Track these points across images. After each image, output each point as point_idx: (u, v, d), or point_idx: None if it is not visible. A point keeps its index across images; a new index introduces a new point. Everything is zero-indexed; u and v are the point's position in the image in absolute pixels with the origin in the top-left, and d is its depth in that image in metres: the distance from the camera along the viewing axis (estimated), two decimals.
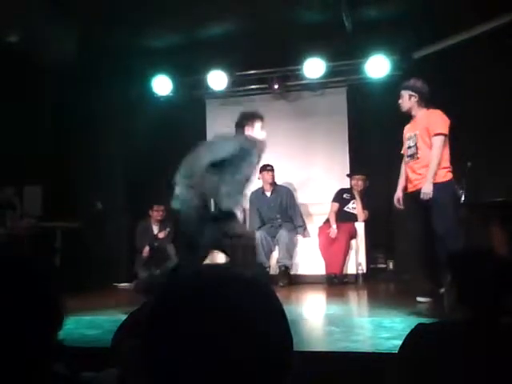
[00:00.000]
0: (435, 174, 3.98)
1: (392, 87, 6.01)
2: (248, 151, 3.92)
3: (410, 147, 4.22)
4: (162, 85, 6.81)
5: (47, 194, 5.78)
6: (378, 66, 6.24)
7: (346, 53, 6.36)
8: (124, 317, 1.21)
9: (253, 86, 6.87)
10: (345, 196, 6.17)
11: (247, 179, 3.98)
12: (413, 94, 4.17)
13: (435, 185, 3.96)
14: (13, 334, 0.95)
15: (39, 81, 5.80)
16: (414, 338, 1.34)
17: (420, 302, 3.97)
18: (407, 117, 4.34)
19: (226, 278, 0.67)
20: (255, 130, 4.12)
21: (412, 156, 4.20)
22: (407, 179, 4.29)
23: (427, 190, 3.95)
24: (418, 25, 5.59)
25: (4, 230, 5.28)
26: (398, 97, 4.26)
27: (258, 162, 4.17)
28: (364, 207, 6.07)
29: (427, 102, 4.19)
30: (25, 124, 5.85)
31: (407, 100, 4.20)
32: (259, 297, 0.67)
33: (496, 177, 4.86)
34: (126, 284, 6.12)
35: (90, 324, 3.34)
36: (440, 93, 4.50)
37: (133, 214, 6.77)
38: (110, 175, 6.71)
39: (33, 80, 5.75)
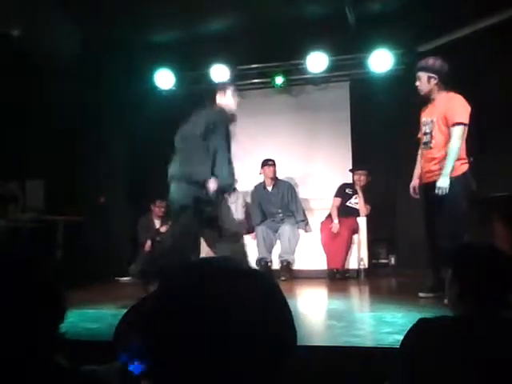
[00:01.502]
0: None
1: (395, 81, 6.03)
2: (216, 123, 3.93)
3: (425, 134, 3.96)
4: (164, 79, 6.80)
5: (50, 188, 5.79)
6: (381, 61, 6.22)
7: (349, 47, 6.33)
8: (126, 310, 1.22)
9: (255, 80, 6.85)
10: (347, 191, 6.16)
11: (218, 149, 3.93)
12: (432, 75, 3.85)
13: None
14: (15, 327, 0.95)
15: (41, 75, 5.79)
16: (415, 334, 1.34)
17: (422, 298, 3.95)
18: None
19: (230, 271, 0.67)
20: (227, 97, 4.18)
21: (426, 144, 3.95)
22: (422, 168, 4.08)
23: (443, 185, 3.71)
24: (422, 18, 5.56)
25: (6, 223, 5.29)
26: (416, 79, 3.95)
27: (228, 132, 4.05)
28: (366, 202, 6.06)
29: (447, 83, 3.88)
30: (28, 118, 5.85)
31: (426, 82, 3.88)
32: (263, 288, 0.67)
33: (499, 172, 4.84)
34: (128, 278, 6.14)
35: (93, 317, 3.35)
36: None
37: (135, 208, 6.78)
38: (113, 169, 6.72)
39: (35, 75, 5.74)
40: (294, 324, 0.68)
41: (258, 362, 0.62)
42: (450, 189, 3.74)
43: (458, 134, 3.74)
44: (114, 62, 6.13)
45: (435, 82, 3.87)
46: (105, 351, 1.16)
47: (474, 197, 4.05)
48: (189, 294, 0.64)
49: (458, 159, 3.81)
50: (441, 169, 3.84)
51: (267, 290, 0.67)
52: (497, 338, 1.28)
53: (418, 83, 3.95)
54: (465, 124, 3.78)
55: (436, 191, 3.74)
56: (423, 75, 3.90)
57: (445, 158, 3.84)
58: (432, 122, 3.90)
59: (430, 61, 3.90)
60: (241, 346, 0.61)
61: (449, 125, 3.81)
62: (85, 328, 2.97)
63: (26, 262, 1.04)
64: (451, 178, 3.76)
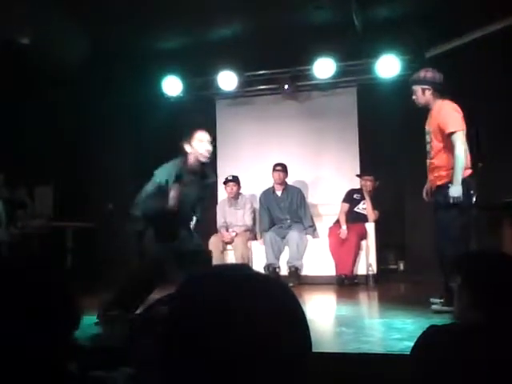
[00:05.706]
0: (457, 174, 3.69)
1: (403, 87, 6.00)
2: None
3: (427, 143, 3.99)
4: (172, 85, 6.83)
5: (59, 194, 5.82)
6: (388, 66, 6.21)
7: (356, 53, 6.33)
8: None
9: (262, 87, 6.86)
10: (355, 196, 6.15)
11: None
12: (426, 87, 3.89)
13: (439, 187, 3.80)
14: (29, 335, 0.95)
15: (51, 82, 5.84)
16: (426, 340, 1.33)
17: (433, 303, 3.90)
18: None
19: (246, 280, 0.66)
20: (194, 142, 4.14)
21: (428, 153, 3.97)
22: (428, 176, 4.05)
23: (455, 194, 3.66)
24: (430, 24, 5.55)
25: (16, 230, 5.32)
26: (411, 93, 3.98)
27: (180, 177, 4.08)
28: (374, 208, 6.04)
29: (442, 91, 3.90)
30: (36, 125, 5.90)
31: (421, 95, 3.91)
32: (281, 297, 0.66)
33: (508, 177, 4.81)
34: None
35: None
36: (452, 92, 4.45)
37: None
38: (121, 175, 6.75)
39: (45, 81, 5.79)
40: (309, 332, 0.68)
41: (279, 369, 0.61)
42: (446, 195, 3.72)
43: (459, 142, 3.72)
44: (121, 68, 6.17)
45: (430, 92, 3.90)
46: (113, 357, 1.15)
47: (483, 202, 4.03)
48: (207, 303, 0.63)
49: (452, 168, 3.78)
50: (442, 176, 3.84)
51: (287, 297, 0.67)
52: (509, 347, 1.26)
53: (414, 97, 3.98)
54: (459, 130, 3.76)
55: (450, 201, 3.70)
56: (417, 88, 3.93)
57: (445, 165, 3.82)
58: (430, 132, 3.92)
59: (422, 73, 3.94)
60: (259, 353, 0.60)
61: (444, 135, 3.81)
62: (93, 334, 2.97)
63: (42, 269, 1.04)
64: (448, 185, 3.74)
